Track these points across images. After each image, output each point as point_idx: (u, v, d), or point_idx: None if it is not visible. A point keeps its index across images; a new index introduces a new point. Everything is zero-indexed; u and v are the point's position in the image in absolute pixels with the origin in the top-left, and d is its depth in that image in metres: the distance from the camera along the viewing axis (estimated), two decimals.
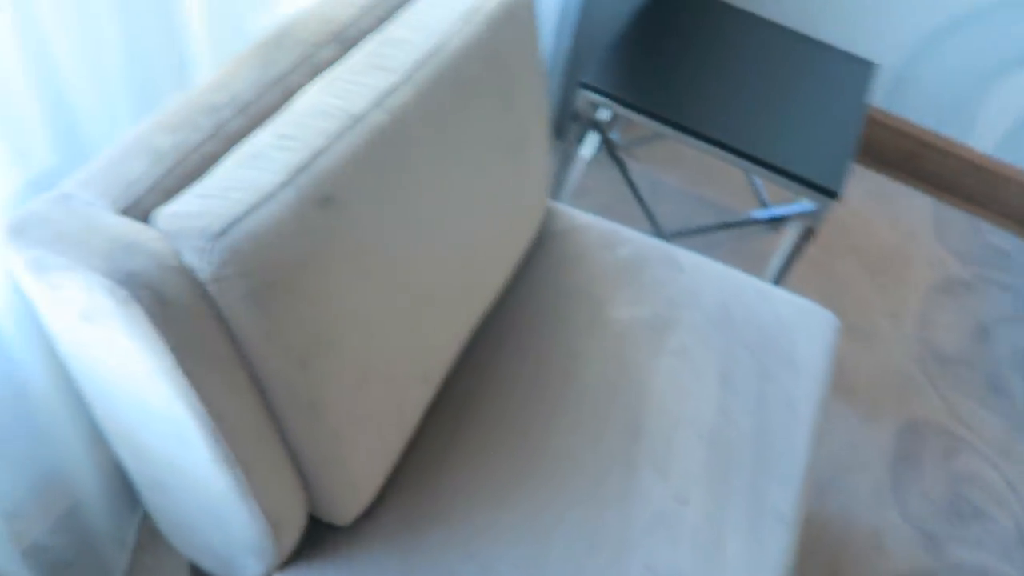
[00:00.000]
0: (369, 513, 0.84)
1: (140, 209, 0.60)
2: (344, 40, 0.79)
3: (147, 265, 0.56)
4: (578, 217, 1.19)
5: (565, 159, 1.59)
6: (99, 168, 0.62)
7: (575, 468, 0.90)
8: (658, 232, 1.64)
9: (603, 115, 1.65)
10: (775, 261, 1.49)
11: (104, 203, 0.59)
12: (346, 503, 0.79)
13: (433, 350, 0.87)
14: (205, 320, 0.59)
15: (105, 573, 1.10)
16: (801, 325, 1.11)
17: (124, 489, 1.08)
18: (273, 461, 0.71)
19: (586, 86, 1.36)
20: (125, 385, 0.63)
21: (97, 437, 0.95)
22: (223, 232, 0.58)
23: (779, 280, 1.47)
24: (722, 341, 1.06)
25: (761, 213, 1.90)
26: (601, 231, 1.18)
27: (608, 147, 1.53)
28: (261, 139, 0.66)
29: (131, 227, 0.58)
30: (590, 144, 1.63)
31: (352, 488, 0.79)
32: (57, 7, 0.68)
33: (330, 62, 0.77)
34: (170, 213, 0.59)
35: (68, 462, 0.94)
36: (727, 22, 1.60)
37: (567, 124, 1.73)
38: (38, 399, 0.84)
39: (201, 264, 0.58)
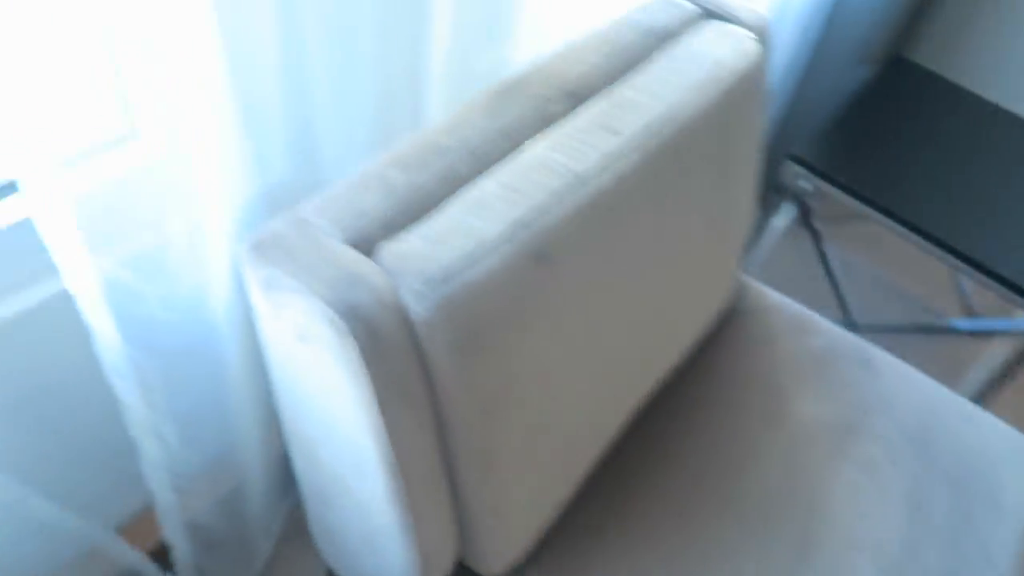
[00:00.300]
0: (517, 570, 0.82)
1: (367, 242, 0.62)
2: (574, 97, 0.79)
3: (367, 300, 0.57)
4: (769, 296, 1.13)
5: (758, 228, 1.53)
6: (334, 196, 0.65)
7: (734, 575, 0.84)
8: (847, 318, 1.54)
9: (804, 186, 1.57)
10: (976, 376, 1.36)
11: (335, 232, 0.62)
12: (497, 555, 0.78)
13: (605, 415, 0.85)
14: (408, 359, 0.60)
15: (250, 558, 1.15)
16: (1010, 460, 0.99)
17: (280, 481, 1.13)
18: (438, 502, 0.71)
19: (796, 159, 1.30)
20: (320, 404, 0.66)
21: (269, 429, 1.00)
22: (442, 279, 0.59)
23: (979, 400, 1.33)
24: (915, 461, 0.96)
25: (967, 323, 1.73)
26: (792, 315, 1.11)
27: (805, 219, 1.46)
28: (487, 187, 0.67)
29: (357, 259, 0.60)
30: (784, 215, 1.56)
31: (506, 541, 0.78)
32: (320, 27, 0.71)
33: (559, 117, 0.77)
34: (394, 252, 0.60)
35: (240, 448, 1.00)
36: (955, 106, 1.49)
37: (767, 194, 1.66)
38: (231, 387, 0.90)
39: (416, 306, 0.58)
